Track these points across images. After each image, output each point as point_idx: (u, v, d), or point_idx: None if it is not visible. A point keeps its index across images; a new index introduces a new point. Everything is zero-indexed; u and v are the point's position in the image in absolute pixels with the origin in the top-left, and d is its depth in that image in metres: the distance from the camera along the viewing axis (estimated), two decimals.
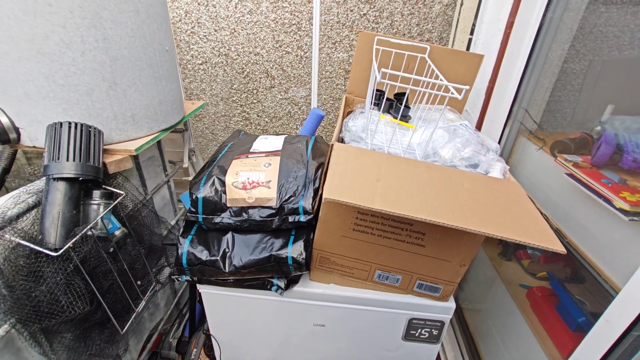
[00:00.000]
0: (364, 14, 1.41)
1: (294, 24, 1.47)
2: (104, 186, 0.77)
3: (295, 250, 0.72)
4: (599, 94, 0.78)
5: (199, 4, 1.46)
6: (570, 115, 0.88)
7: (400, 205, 0.46)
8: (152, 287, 0.93)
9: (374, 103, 0.83)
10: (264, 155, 0.83)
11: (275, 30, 1.49)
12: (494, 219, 0.51)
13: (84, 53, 0.70)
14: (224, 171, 0.78)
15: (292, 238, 0.75)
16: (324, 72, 1.56)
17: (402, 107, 0.70)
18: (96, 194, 0.73)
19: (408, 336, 0.85)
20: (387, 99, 0.80)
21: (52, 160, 0.67)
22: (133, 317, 0.83)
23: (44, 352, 0.67)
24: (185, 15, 1.49)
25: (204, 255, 0.74)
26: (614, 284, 0.64)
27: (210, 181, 0.76)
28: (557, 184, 0.81)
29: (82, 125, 0.71)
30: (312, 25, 1.45)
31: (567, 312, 0.78)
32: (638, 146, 0.62)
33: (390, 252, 0.72)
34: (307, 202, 0.72)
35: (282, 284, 0.78)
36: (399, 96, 0.81)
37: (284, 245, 0.73)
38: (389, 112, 0.80)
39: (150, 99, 0.85)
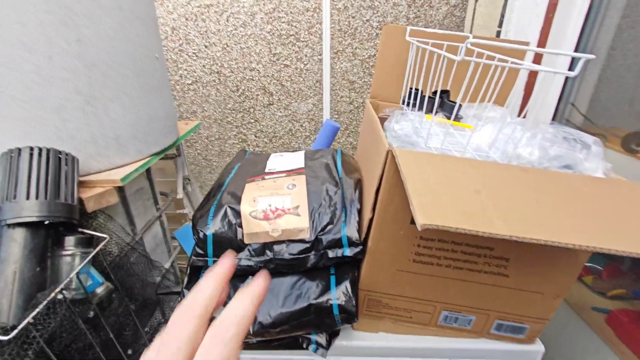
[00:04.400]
0: (367, 20, 1.32)
1: (291, 35, 1.36)
2: (80, 229, 0.59)
3: (341, 294, 0.55)
4: None
5: (186, 19, 1.34)
6: (628, 105, 0.77)
7: (536, 227, 0.31)
8: None
9: (409, 103, 0.70)
10: (284, 175, 0.67)
11: (272, 43, 1.38)
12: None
13: (51, 58, 0.54)
14: (237, 198, 0.61)
15: (333, 279, 0.57)
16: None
17: (457, 104, 0.57)
18: (70, 241, 0.55)
19: None
20: (429, 97, 0.66)
21: (7, 199, 0.49)
22: None
23: None
24: (172, 32, 1.37)
25: (218, 314, 0.55)
26: None
27: (222, 212, 0.59)
28: None
29: (48, 150, 0.54)
30: (311, 35, 1.35)
31: None
32: None
33: (462, 286, 0.56)
34: (351, 230, 0.56)
35: (322, 339, 0.59)
36: (442, 93, 0.68)
37: (325, 290, 0.56)
38: (432, 112, 0.67)
39: (137, 116, 0.69)
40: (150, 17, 0.71)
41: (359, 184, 0.64)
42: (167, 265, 1.03)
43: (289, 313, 0.54)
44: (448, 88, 0.68)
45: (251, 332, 0.54)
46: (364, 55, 1.39)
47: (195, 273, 0.61)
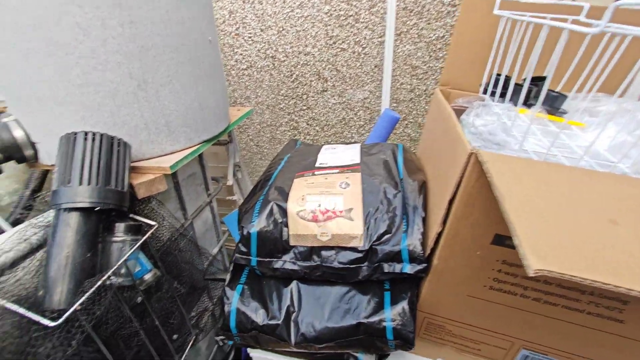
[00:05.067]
0: None
1: (350, 16, 1.25)
2: (131, 216, 0.59)
3: (397, 316, 0.47)
4: None
5: (243, 1, 1.31)
6: None
7: None
8: (191, 340, 0.73)
9: (493, 93, 0.57)
10: (337, 171, 0.60)
11: (329, 25, 1.29)
12: None
13: (105, 42, 0.53)
14: (284, 194, 0.56)
15: (387, 296, 0.50)
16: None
17: (558, 95, 0.44)
18: (119, 227, 0.54)
19: None
20: (520, 86, 0.53)
21: (63, 183, 0.49)
22: None
23: None
24: (230, 15, 1.35)
25: (259, 316, 0.51)
26: None
27: (268, 209, 0.54)
28: None
29: (101, 136, 0.53)
30: (372, 15, 1.23)
31: None
32: None
33: (553, 325, 0.44)
34: (414, 243, 0.47)
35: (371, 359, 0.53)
36: (536, 81, 0.54)
37: (378, 308, 0.48)
38: (524, 104, 0.54)
39: (189, 102, 0.67)
40: None
41: (423, 188, 0.54)
42: (215, 251, 1.04)
43: (335, 329, 0.48)
44: (544, 74, 0.54)
45: (292, 342, 0.49)
46: (430, 37, 1.23)
47: (239, 270, 0.58)
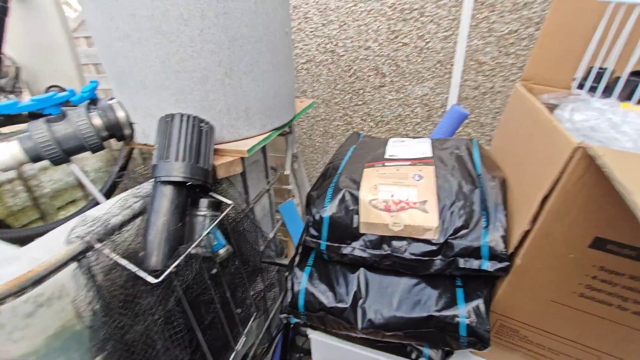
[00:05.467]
0: None
1: (415, 9, 1.22)
2: (210, 193, 0.64)
3: (472, 313, 0.46)
4: None
5: None
6: None
7: None
8: (252, 317, 0.78)
9: (593, 88, 0.53)
10: (408, 163, 0.60)
11: (392, 19, 1.27)
12: None
13: (202, 31, 0.58)
14: (356, 183, 0.57)
15: (460, 292, 0.49)
16: (447, 67, 1.27)
17: None
18: (203, 202, 0.59)
19: None
20: (627, 79, 0.49)
21: (161, 159, 0.55)
22: (232, 357, 0.67)
23: None
24: (294, 10, 1.39)
25: (327, 299, 0.53)
26: None
27: (339, 196, 0.55)
28: None
29: (193, 118, 0.58)
30: (439, 9, 1.19)
31: None
32: None
33: None
34: (495, 240, 0.45)
35: (436, 356, 0.52)
36: (636, 75, 0.49)
37: (450, 303, 0.48)
38: (629, 99, 0.49)
39: (266, 91, 0.70)
40: None
41: (504, 185, 0.52)
42: (270, 236, 1.09)
43: (405, 319, 0.48)
44: None
45: (359, 327, 0.51)
46: (502, 31, 1.16)
47: (307, 253, 0.61)
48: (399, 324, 0.48)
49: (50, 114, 0.66)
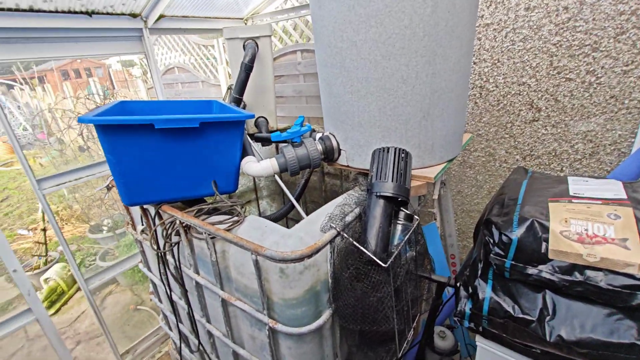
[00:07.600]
0: None
1: (587, 45, 1.20)
2: (402, 209, 0.82)
3: None
4: None
5: None
6: None
7: None
8: (418, 315, 0.91)
9: None
10: (599, 202, 0.65)
11: (556, 55, 1.27)
12: None
13: (414, 87, 0.77)
14: (544, 215, 0.65)
15: None
16: (625, 102, 1.19)
17: None
18: (401, 215, 0.77)
19: None
20: None
21: (378, 179, 0.76)
22: (405, 342, 0.81)
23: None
24: None
25: (513, 310, 0.62)
26: None
27: (527, 223, 0.65)
28: None
29: (403, 151, 0.78)
30: (619, 43, 1.14)
31: None
32: None
33: None
34: None
35: None
36: None
37: None
38: None
39: (448, 129, 0.86)
40: (472, 47, 0.85)
41: None
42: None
43: (601, 342, 0.54)
44: None
45: (549, 339, 0.58)
46: None
47: (486, 268, 0.71)
48: (592, 345, 0.54)
49: (293, 141, 0.97)
